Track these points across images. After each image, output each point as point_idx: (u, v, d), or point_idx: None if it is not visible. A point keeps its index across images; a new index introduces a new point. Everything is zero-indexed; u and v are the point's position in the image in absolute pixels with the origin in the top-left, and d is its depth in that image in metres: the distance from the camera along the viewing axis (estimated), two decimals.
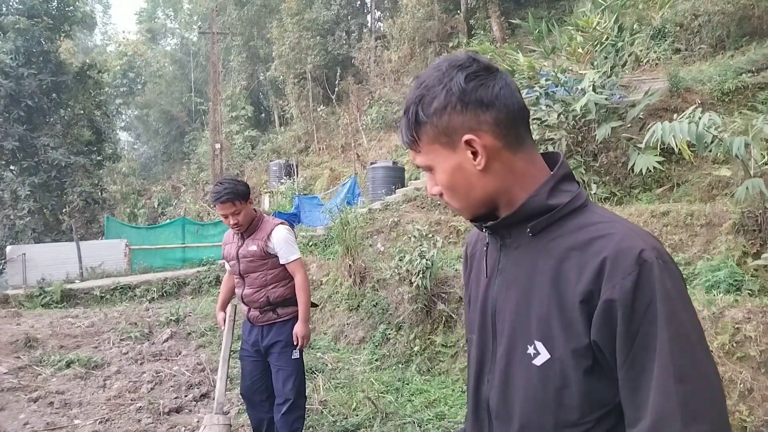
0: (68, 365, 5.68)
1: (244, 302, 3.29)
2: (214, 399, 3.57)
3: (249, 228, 3.20)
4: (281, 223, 3.28)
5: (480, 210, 0.99)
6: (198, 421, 4.16)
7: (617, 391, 0.85)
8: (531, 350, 0.92)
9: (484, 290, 1.06)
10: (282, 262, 3.20)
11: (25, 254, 11.94)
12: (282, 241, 3.18)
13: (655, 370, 0.78)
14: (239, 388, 3.52)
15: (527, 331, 0.93)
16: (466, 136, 0.91)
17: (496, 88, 0.91)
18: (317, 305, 3.90)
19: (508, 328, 0.97)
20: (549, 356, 0.89)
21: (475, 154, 0.92)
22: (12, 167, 16.73)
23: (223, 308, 3.54)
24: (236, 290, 3.37)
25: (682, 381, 0.77)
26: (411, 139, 0.97)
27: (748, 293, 4.00)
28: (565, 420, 0.89)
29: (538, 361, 0.91)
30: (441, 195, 1.00)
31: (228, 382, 3.58)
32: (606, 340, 0.83)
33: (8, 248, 12.36)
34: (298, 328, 3.21)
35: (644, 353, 0.80)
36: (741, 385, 3.22)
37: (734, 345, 3.35)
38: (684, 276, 4.57)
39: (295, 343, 3.22)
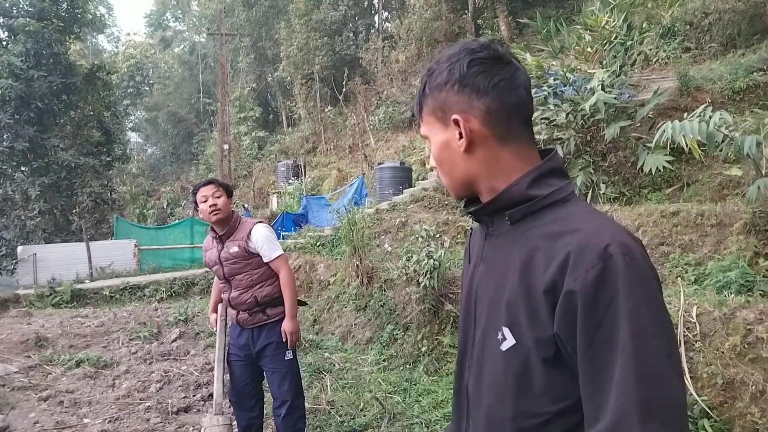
0: (78, 365, 5.72)
1: (231, 305, 3.23)
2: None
3: (227, 230, 3.16)
4: (259, 222, 3.25)
5: (462, 191, 1.03)
6: None
7: (579, 386, 0.83)
8: (500, 336, 0.92)
9: (469, 278, 1.09)
10: (265, 260, 3.15)
11: (35, 254, 12.07)
12: (262, 239, 3.13)
13: (617, 367, 0.76)
14: (228, 393, 3.46)
15: (498, 317, 0.94)
16: (455, 116, 0.95)
17: (496, 78, 0.94)
18: (306, 303, 3.84)
19: (485, 315, 0.99)
20: (514, 342, 0.90)
21: (461, 135, 0.95)
22: (23, 168, 16.88)
23: (215, 309, 3.48)
24: (223, 295, 3.30)
25: (642, 380, 0.75)
26: (418, 107, 1.05)
27: (760, 294, 3.95)
28: (524, 409, 0.89)
29: (504, 347, 0.91)
30: None
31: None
32: (567, 332, 0.82)
33: (19, 248, 12.49)
34: (285, 325, 3.15)
35: (605, 350, 0.78)
36: (753, 387, 3.18)
37: (746, 346, 3.31)
38: (697, 276, 4.55)
39: (284, 340, 3.16)
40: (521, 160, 0.96)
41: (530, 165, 0.96)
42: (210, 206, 3.08)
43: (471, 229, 1.15)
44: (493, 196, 0.97)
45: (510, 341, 0.90)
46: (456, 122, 0.95)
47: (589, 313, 0.79)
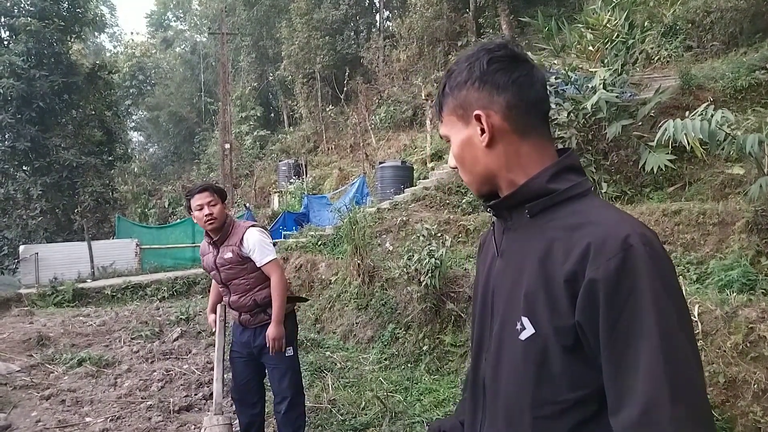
0: (80, 363, 5.73)
1: (232, 308, 3.26)
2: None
3: (221, 235, 3.16)
4: (252, 226, 3.24)
5: (482, 186, 1.05)
6: None
7: (598, 375, 0.85)
8: (518, 326, 0.94)
9: (487, 272, 1.11)
10: (257, 265, 3.14)
11: (37, 254, 12.06)
12: (255, 243, 3.12)
13: (642, 353, 0.78)
14: (230, 390, 3.48)
15: (517, 307, 0.95)
16: (476, 112, 0.98)
17: (515, 75, 0.97)
18: (306, 299, 3.85)
19: (503, 306, 1.01)
20: (533, 331, 0.91)
21: (482, 130, 0.98)
22: (24, 167, 16.91)
23: (214, 310, 3.50)
24: (224, 298, 3.33)
25: (669, 364, 0.77)
26: (438, 108, 1.08)
27: (762, 292, 3.94)
28: (542, 398, 0.91)
29: (523, 336, 0.93)
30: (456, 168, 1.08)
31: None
32: (589, 321, 0.83)
33: (21, 248, 12.49)
34: (270, 330, 3.13)
35: (628, 336, 0.80)
36: (755, 386, 3.17)
37: (748, 345, 3.30)
38: (699, 275, 4.54)
39: (267, 345, 3.14)
40: (540, 155, 0.99)
41: (549, 160, 0.98)
42: (206, 215, 3.08)
43: (492, 224, 1.16)
44: (513, 190, 0.99)
45: (529, 330, 0.92)
46: (478, 118, 0.98)
47: (611, 300, 0.81)
